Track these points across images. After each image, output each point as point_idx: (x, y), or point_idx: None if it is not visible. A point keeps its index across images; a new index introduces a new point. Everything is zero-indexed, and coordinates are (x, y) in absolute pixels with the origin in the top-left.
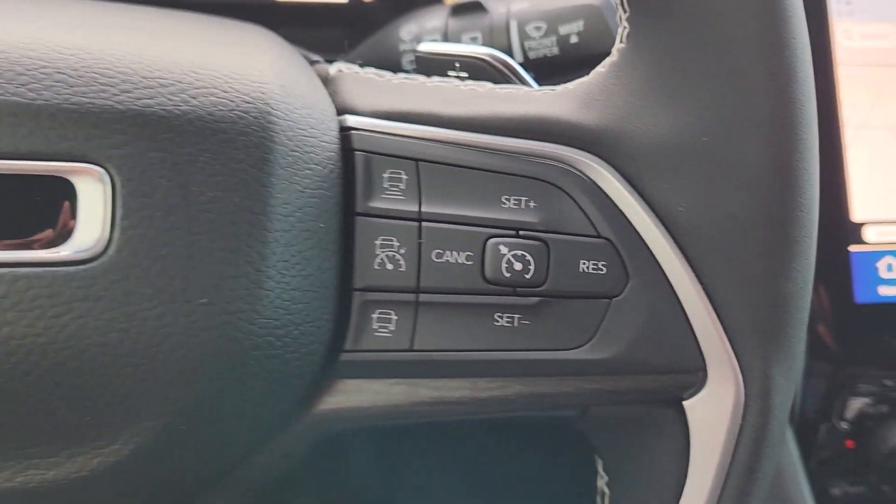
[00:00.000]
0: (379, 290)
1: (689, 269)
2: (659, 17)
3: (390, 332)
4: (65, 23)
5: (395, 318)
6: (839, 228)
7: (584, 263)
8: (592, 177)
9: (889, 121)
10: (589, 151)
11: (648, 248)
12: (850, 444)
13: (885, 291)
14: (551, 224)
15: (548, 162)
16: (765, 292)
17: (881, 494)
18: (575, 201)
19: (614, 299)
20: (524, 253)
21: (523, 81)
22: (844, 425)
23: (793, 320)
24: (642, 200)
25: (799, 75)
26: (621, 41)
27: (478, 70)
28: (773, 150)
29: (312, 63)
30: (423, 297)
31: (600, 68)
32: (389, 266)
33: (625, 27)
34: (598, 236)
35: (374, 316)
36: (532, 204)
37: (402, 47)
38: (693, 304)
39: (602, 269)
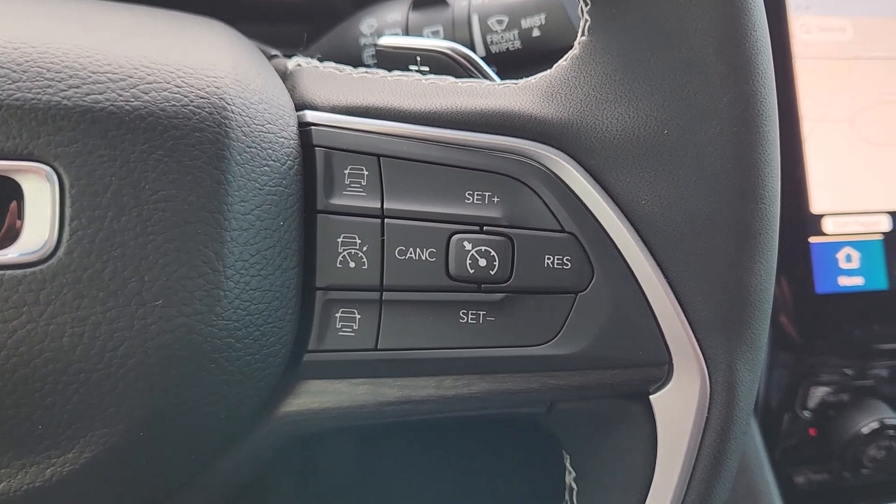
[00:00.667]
0: (342, 289)
1: (653, 262)
2: (620, 10)
3: (354, 331)
4: (8, 16)
5: (358, 317)
6: (799, 220)
7: (548, 258)
8: (556, 171)
9: (846, 113)
10: (551, 145)
11: (613, 242)
12: (812, 432)
13: (844, 282)
14: (515, 219)
15: (511, 156)
16: (728, 285)
17: (843, 481)
18: (539, 196)
19: (580, 294)
20: (488, 249)
21: (485, 75)
22: (807, 414)
23: (756, 312)
24: (606, 194)
25: (759, 67)
26: (583, 34)
27: (439, 64)
28: (733, 143)
29: (270, 57)
30: (386, 296)
31: (562, 62)
32: (352, 264)
33: (586, 20)
34: (563, 231)
35: (338, 315)
36: (496, 199)
37: (363, 41)
38: (658, 297)
39: (567, 264)
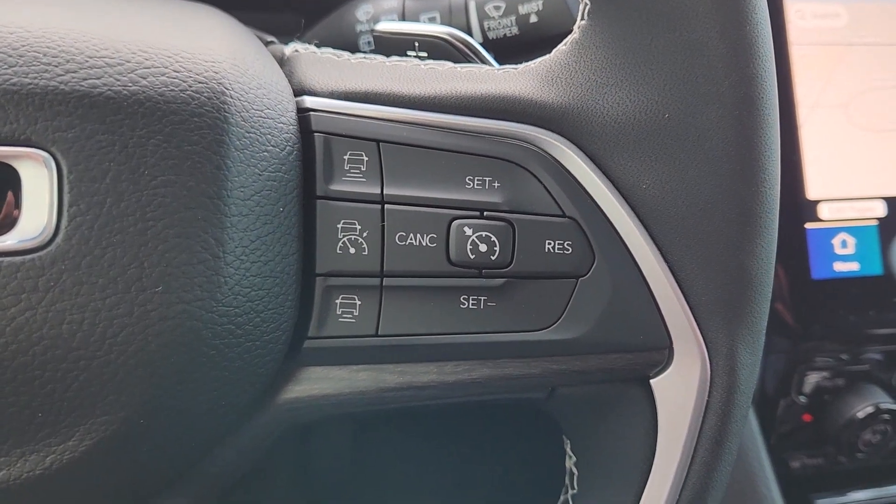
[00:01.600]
0: (342, 275)
1: (654, 247)
2: None
3: (354, 317)
4: (4, 1)
5: (359, 303)
6: (795, 206)
7: (549, 243)
8: (556, 156)
9: (841, 99)
10: (552, 130)
11: (614, 226)
12: (807, 417)
13: (839, 267)
14: (516, 204)
15: (511, 141)
16: (729, 268)
17: (838, 465)
18: (539, 181)
19: (581, 279)
20: (489, 234)
21: (484, 60)
22: (802, 399)
23: (757, 296)
24: (607, 179)
25: (760, 50)
26: (583, 18)
27: (437, 50)
28: (734, 126)
29: (267, 44)
30: (387, 282)
31: (562, 46)
32: (352, 250)
33: (586, 4)
34: (564, 216)
35: (338, 301)
36: (496, 184)
37: (359, 28)
38: (659, 281)
39: (568, 249)
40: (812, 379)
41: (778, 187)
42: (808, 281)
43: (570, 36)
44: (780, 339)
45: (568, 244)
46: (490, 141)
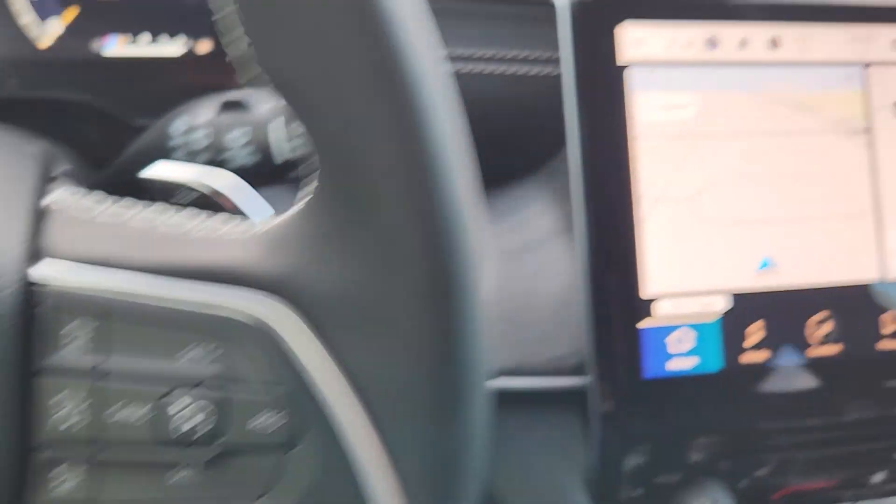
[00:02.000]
0: (56, 449)
1: (366, 421)
2: (340, 172)
3: (68, 490)
4: None
5: (72, 476)
6: (628, 306)
7: (263, 415)
8: (276, 325)
9: (686, 193)
10: (276, 297)
11: (328, 399)
12: None
13: (672, 366)
14: (231, 375)
15: (232, 310)
16: (432, 447)
17: None
18: (257, 351)
19: (292, 451)
20: (203, 405)
21: (242, 213)
22: (639, 493)
23: (461, 472)
24: (325, 349)
25: (453, 241)
26: (316, 182)
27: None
28: (428, 313)
29: (51, 180)
30: (99, 456)
31: (293, 209)
32: (67, 424)
33: (317, 170)
34: (280, 386)
35: (52, 475)
36: (214, 354)
37: (171, 143)
38: (368, 457)
39: (280, 421)
40: (648, 475)
41: (479, 370)
42: (639, 381)
43: (302, 200)
44: (616, 437)
45: (281, 415)
46: (212, 310)
